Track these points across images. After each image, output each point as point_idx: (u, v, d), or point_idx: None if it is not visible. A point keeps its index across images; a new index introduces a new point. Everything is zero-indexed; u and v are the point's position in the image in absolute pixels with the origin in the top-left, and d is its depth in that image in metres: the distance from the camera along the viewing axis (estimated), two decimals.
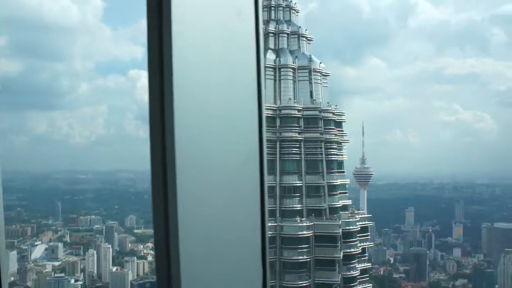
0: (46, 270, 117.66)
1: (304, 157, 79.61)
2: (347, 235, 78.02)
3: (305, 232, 75.95)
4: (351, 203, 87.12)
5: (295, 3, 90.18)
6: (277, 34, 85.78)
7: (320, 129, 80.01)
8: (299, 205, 79.06)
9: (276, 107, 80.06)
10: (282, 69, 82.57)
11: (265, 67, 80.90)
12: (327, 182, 79.96)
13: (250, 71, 1.44)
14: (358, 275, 78.77)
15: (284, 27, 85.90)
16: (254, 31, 1.49)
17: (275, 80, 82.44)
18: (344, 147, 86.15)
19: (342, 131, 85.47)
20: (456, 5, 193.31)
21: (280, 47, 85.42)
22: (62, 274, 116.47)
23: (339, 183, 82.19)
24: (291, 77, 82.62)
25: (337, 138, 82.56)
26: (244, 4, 1.43)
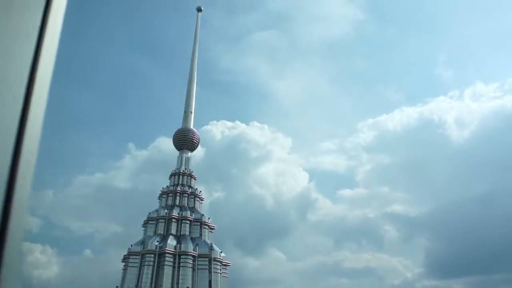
0: None
1: None
2: None
3: None
4: None
5: (200, 191, 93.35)
6: (180, 221, 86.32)
7: None
8: None
9: None
10: (182, 256, 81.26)
11: (166, 253, 79.74)
12: None
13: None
14: None
15: (188, 214, 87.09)
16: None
17: (174, 267, 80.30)
18: None
19: None
20: (352, 202, 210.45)
21: (182, 233, 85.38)
22: None
23: None
24: (191, 265, 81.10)
25: None
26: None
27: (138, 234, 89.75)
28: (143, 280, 79.49)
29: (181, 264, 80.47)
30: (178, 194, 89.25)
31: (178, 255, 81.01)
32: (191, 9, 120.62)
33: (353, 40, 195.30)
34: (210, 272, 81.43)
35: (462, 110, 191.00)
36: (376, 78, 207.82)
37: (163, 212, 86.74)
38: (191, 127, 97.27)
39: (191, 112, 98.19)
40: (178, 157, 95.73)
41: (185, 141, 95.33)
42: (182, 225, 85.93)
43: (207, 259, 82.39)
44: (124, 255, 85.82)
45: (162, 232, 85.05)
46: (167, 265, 79.44)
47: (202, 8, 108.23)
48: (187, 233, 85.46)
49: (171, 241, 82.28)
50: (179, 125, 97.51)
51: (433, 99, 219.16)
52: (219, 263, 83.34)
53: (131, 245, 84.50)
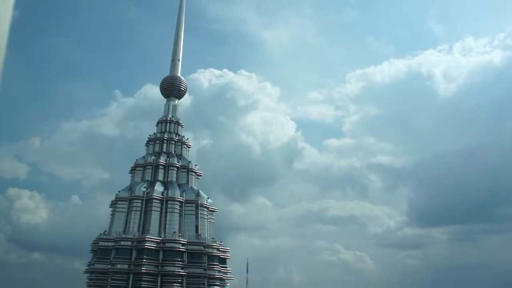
0: None
1: None
2: None
3: None
4: None
5: (187, 139, 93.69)
6: (167, 167, 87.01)
7: (204, 264, 78.85)
8: None
9: (160, 239, 78.32)
10: (169, 202, 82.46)
11: (153, 199, 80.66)
12: None
13: None
14: None
15: (175, 160, 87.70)
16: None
17: (161, 212, 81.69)
18: (228, 284, 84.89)
19: (226, 267, 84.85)
20: (338, 152, 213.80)
21: (169, 180, 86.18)
22: None
23: None
24: (178, 211, 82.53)
25: (221, 275, 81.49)
26: None
27: (125, 180, 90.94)
28: (131, 225, 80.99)
29: (168, 210, 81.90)
30: (165, 141, 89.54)
31: (165, 201, 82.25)
32: None
33: None
34: (196, 217, 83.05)
35: (450, 64, 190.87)
36: (365, 29, 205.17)
37: (150, 158, 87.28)
38: (179, 74, 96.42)
39: (179, 60, 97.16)
40: (165, 104, 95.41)
41: (172, 88, 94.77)
42: (169, 171, 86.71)
43: (193, 205, 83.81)
44: (112, 201, 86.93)
45: (149, 179, 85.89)
46: (154, 210, 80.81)
47: None
48: (174, 179, 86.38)
49: (158, 187, 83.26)
50: (166, 73, 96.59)
51: (422, 52, 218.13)
52: (205, 209, 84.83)
53: (119, 191, 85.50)
